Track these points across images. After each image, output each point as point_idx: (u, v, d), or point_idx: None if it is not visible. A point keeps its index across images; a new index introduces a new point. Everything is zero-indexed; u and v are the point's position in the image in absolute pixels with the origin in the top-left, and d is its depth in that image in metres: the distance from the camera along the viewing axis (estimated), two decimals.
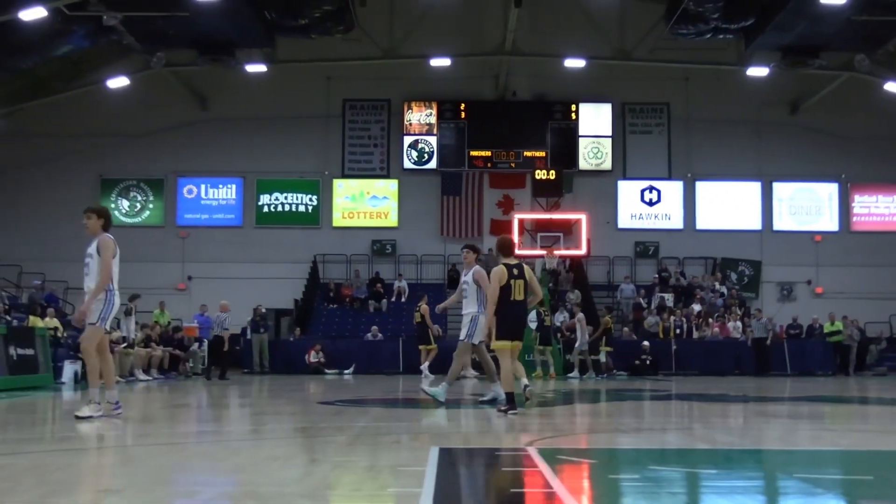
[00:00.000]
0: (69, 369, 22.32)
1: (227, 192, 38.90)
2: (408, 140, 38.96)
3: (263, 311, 32.38)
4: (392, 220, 38.80)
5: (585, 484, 6.91)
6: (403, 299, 36.05)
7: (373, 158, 39.10)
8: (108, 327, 11.64)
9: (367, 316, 35.53)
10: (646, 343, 31.50)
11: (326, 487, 6.46)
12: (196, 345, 29.28)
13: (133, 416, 13.85)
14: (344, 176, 38.90)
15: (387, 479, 6.79)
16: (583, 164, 38.97)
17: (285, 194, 38.77)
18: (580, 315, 29.95)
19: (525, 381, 13.41)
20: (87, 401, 11.16)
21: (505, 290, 12.38)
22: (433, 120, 39.11)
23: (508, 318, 12.47)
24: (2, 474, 7.27)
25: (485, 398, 14.80)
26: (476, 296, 14.36)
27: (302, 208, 38.82)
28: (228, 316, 26.74)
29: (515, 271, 12.51)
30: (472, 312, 14.42)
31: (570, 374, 28.79)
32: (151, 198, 38.73)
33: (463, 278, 14.80)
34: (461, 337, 14.79)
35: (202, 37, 32.02)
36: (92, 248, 11.51)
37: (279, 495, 6.03)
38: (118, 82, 34.30)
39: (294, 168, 38.44)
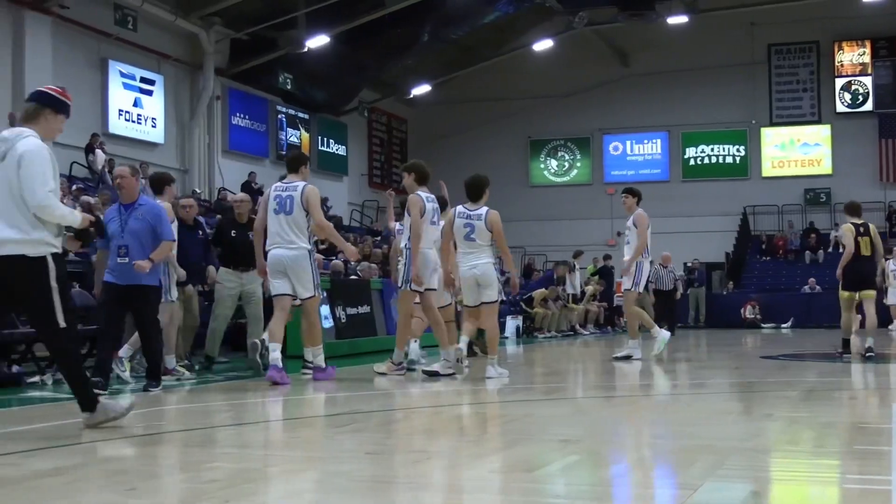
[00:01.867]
0: (511, 324, 23.29)
1: (652, 147, 38.91)
2: (839, 82, 37.03)
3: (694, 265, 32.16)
4: (825, 168, 37.08)
5: None
6: (842, 249, 34.25)
7: (802, 104, 37.52)
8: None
9: (802, 268, 34.29)
10: None
11: (787, 443, 6.24)
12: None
13: (571, 370, 14.21)
14: (772, 124, 37.66)
15: (851, 435, 6.45)
16: None
17: (711, 146, 38.16)
18: None
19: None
20: (441, 359, 10.95)
21: (854, 245, 13.78)
22: (867, 59, 36.93)
23: (853, 271, 13.98)
24: (464, 423, 7.69)
25: (619, 354, 13.97)
26: (637, 241, 13.62)
27: (729, 159, 38.07)
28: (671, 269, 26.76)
29: (862, 229, 13.85)
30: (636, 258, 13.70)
31: None
32: (578, 156, 39.50)
33: (627, 223, 13.94)
34: (626, 286, 13.90)
35: None
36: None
37: (737, 450, 5.89)
38: (543, 45, 35.07)
39: (719, 119, 37.69)
